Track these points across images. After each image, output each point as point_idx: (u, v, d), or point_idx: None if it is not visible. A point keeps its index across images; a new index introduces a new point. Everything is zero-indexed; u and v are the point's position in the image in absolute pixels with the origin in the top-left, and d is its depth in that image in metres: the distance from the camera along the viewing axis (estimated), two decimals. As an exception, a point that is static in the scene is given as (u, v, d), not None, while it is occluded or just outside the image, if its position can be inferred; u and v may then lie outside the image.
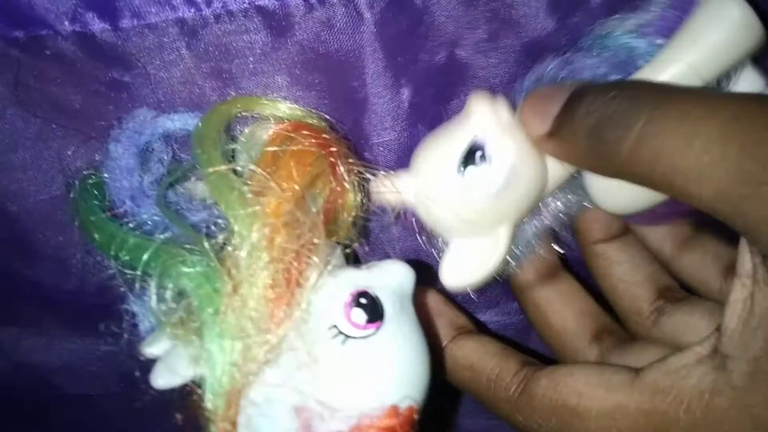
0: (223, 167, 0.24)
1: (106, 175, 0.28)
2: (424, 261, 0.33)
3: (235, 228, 0.23)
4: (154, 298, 0.23)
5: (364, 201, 0.29)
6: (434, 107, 0.31)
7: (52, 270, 0.32)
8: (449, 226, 0.27)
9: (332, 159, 0.26)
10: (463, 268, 0.27)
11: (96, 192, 0.28)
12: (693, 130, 0.20)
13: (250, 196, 0.24)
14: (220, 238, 0.24)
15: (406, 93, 0.30)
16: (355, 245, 0.29)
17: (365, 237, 0.32)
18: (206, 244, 0.23)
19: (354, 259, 0.28)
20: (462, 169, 0.26)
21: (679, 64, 0.25)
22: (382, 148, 0.32)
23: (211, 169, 0.24)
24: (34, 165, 0.30)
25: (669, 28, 0.26)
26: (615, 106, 0.22)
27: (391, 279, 0.24)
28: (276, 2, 0.27)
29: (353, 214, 0.28)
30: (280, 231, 0.23)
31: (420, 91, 0.31)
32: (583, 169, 0.27)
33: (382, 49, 0.29)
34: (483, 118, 0.26)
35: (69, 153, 0.30)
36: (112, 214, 0.27)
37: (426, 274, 0.33)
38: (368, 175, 0.28)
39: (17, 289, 0.33)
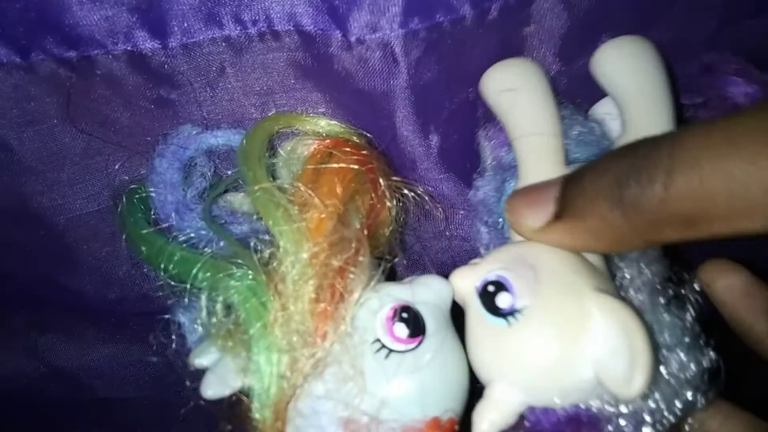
0: (269, 184, 0.25)
1: (151, 189, 0.29)
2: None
3: (281, 244, 0.24)
4: (204, 310, 0.23)
5: (402, 216, 0.30)
6: (462, 155, 0.32)
7: (94, 280, 0.34)
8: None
9: (372, 175, 0.27)
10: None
11: (142, 206, 0.29)
12: (733, 147, 0.18)
13: (294, 212, 0.24)
14: (266, 252, 0.24)
15: (435, 139, 0.31)
16: (395, 259, 0.30)
17: (403, 251, 0.32)
18: (253, 259, 0.24)
19: (392, 274, 0.28)
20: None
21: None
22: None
23: (257, 187, 0.25)
24: (81, 180, 0.31)
25: None
26: (630, 156, 0.20)
27: (431, 294, 0.25)
28: (319, 30, 0.28)
29: (392, 228, 0.29)
30: (324, 247, 0.24)
31: (448, 138, 0.31)
32: (602, 246, 0.23)
33: (414, 95, 0.29)
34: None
35: (115, 168, 0.31)
36: (158, 228, 0.28)
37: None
38: (407, 191, 0.29)
39: (59, 298, 0.35)
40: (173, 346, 0.25)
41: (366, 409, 0.22)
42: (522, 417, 0.23)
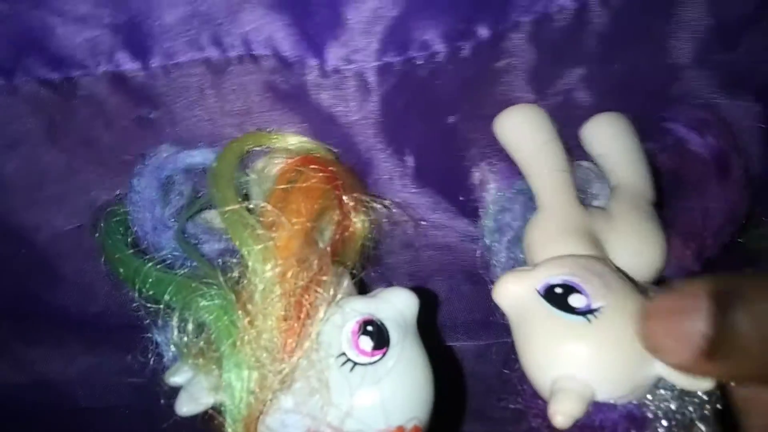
0: (237, 206, 0.26)
1: (129, 207, 0.30)
2: (428, 288, 0.35)
3: (249, 263, 0.25)
4: (175, 331, 0.24)
5: (371, 229, 0.31)
6: (439, 171, 0.33)
7: (77, 294, 0.34)
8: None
9: (338, 192, 0.28)
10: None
11: (120, 227, 0.30)
12: None
13: (262, 232, 0.25)
14: (236, 271, 0.25)
15: (410, 160, 0.32)
16: (364, 272, 0.31)
17: (373, 263, 0.33)
18: (222, 279, 0.25)
19: (361, 285, 0.29)
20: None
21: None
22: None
23: (225, 209, 0.26)
24: (62, 197, 0.32)
25: None
26: None
27: (395, 306, 0.26)
28: (296, 57, 0.29)
29: (361, 242, 0.30)
30: (291, 266, 0.25)
31: (424, 157, 0.32)
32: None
33: (388, 121, 0.31)
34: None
35: (95, 185, 0.32)
36: (136, 249, 0.29)
37: (429, 299, 0.35)
38: (376, 204, 0.30)
39: (42, 312, 0.35)
40: (151, 363, 0.26)
41: (331, 421, 0.23)
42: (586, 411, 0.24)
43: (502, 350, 0.36)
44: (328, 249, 0.26)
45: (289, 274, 0.25)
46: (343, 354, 0.24)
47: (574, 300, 0.24)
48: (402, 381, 0.24)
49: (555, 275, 0.25)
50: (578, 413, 0.23)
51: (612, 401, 0.24)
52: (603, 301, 0.24)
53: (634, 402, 0.25)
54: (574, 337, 0.24)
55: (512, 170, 0.31)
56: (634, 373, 0.24)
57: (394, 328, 0.25)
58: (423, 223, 0.34)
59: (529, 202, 0.31)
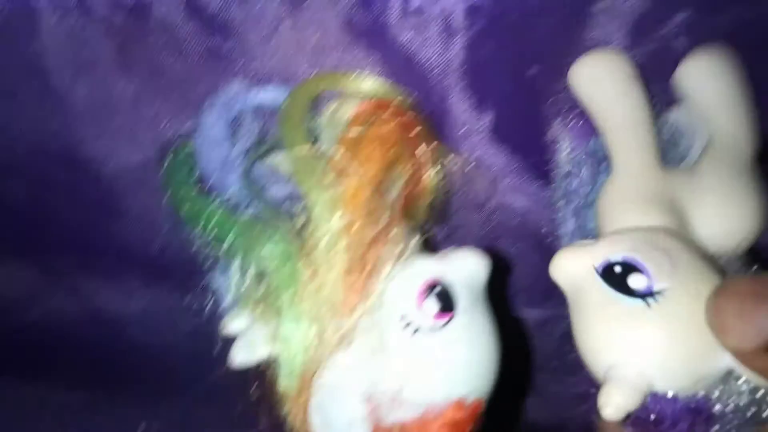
0: (305, 150, 0.25)
1: (196, 144, 0.29)
2: (501, 250, 0.33)
3: (315, 212, 0.23)
4: (236, 276, 0.23)
5: (444, 185, 0.29)
6: (518, 128, 0.31)
7: (139, 230, 0.34)
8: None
9: (414, 141, 0.26)
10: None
11: (186, 163, 0.29)
12: None
13: (330, 179, 0.24)
14: (301, 219, 0.24)
15: (490, 113, 0.30)
16: (432, 231, 0.29)
17: (443, 222, 0.32)
18: (287, 225, 0.24)
19: (427, 244, 0.28)
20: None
21: None
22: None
23: (294, 151, 0.24)
24: (130, 129, 0.32)
25: None
26: None
27: (465, 269, 0.24)
28: None
29: (432, 198, 0.29)
30: (358, 217, 0.23)
31: (504, 111, 0.30)
32: None
33: (470, 71, 0.29)
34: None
35: (164, 119, 0.31)
36: (201, 188, 0.28)
37: (502, 264, 0.33)
38: (451, 160, 0.28)
39: (105, 244, 0.35)
40: (208, 307, 0.25)
41: (389, 386, 0.22)
42: (642, 402, 0.22)
43: (562, 325, 0.34)
44: (399, 202, 0.25)
45: (356, 226, 0.23)
46: (406, 316, 0.23)
47: (634, 280, 0.22)
48: (466, 350, 0.23)
49: (615, 252, 0.23)
50: (630, 406, 0.22)
51: (673, 393, 0.22)
52: (667, 282, 0.22)
53: (701, 395, 0.23)
54: (630, 323, 0.22)
55: (591, 129, 0.29)
56: (699, 364, 0.22)
57: (462, 293, 0.23)
58: (496, 183, 0.32)
59: (601, 165, 0.28)
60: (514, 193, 0.33)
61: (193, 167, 0.29)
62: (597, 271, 0.23)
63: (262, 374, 0.24)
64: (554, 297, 0.34)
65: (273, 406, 0.24)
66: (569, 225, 0.29)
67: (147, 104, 0.31)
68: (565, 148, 0.30)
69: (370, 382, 0.22)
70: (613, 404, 0.21)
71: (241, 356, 0.24)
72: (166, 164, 0.29)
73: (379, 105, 0.27)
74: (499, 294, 0.35)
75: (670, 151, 0.28)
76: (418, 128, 0.27)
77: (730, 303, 0.21)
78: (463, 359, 0.23)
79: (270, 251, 0.24)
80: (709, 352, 0.22)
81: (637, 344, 0.22)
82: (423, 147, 0.27)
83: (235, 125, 0.29)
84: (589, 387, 0.24)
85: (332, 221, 0.23)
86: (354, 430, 0.22)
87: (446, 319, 0.23)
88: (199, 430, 0.37)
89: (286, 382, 0.23)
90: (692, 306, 0.22)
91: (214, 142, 0.29)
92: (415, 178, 0.27)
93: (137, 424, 0.39)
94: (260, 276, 0.24)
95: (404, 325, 0.23)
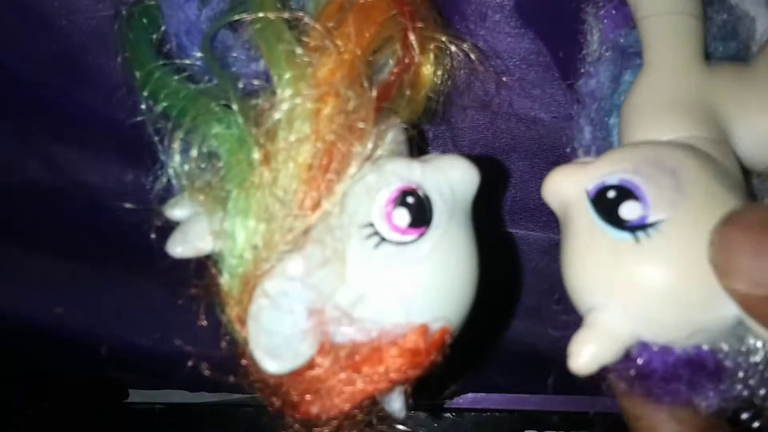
0: (274, 14, 0.21)
1: (160, 2, 0.25)
2: (496, 159, 0.29)
3: (278, 91, 0.20)
4: (176, 155, 0.20)
5: (441, 77, 0.25)
6: (546, 10, 0.27)
7: (104, 96, 0.31)
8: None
9: (405, 21, 0.22)
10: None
11: (147, 23, 0.25)
12: None
13: (300, 53, 0.20)
14: (265, 100, 0.21)
15: None
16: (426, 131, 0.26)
17: (436, 121, 0.28)
18: (245, 105, 0.20)
19: (418, 147, 0.24)
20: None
21: None
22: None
23: (260, 14, 0.20)
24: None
25: None
26: None
27: (448, 178, 0.21)
28: None
29: (426, 91, 0.25)
30: (328, 102, 0.20)
31: None
32: None
33: None
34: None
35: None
36: (162, 52, 0.24)
37: (496, 174, 0.29)
38: (452, 48, 0.25)
39: (73, 110, 0.32)
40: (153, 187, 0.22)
41: (340, 301, 0.19)
42: (627, 353, 0.20)
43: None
44: (379, 90, 0.21)
45: (325, 112, 0.20)
46: (371, 225, 0.20)
47: (627, 209, 0.19)
48: (436, 272, 0.20)
49: (612, 172, 0.20)
50: (605, 358, 0.19)
51: (664, 343, 0.19)
52: (667, 213, 0.18)
53: (705, 346, 0.19)
54: (611, 260, 0.19)
55: (625, 19, 0.25)
56: (696, 312, 0.19)
57: (440, 206, 0.20)
58: (509, 79, 0.28)
59: (628, 63, 0.24)
60: (532, 97, 0.29)
61: (154, 28, 0.25)
62: (588, 195, 0.20)
63: (202, 270, 0.21)
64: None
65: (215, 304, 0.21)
66: (585, 136, 0.26)
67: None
68: (594, 41, 0.26)
69: (318, 293, 0.19)
70: (585, 354, 0.19)
71: (179, 248, 0.21)
72: (123, 21, 0.25)
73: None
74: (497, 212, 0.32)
75: (721, 43, 0.24)
76: (416, 5, 0.23)
77: (742, 236, 0.17)
78: (431, 281, 0.20)
79: (221, 131, 0.20)
80: (710, 298, 0.18)
81: (618, 286, 0.19)
82: (420, 28, 0.23)
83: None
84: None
85: (297, 103, 0.20)
86: (294, 343, 0.19)
87: (417, 234, 0.20)
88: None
89: (227, 283, 0.20)
90: (695, 242, 0.18)
91: (181, 1, 0.25)
92: (404, 64, 0.23)
93: (120, 296, 0.38)
94: (209, 159, 0.21)
95: (367, 234, 0.20)
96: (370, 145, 0.20)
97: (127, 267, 0.38)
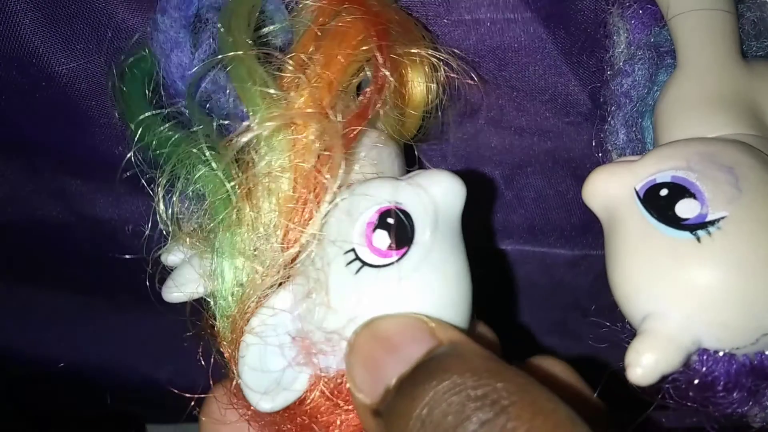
0: (246, 52, 0.21)
1: (153, 48, 0.26)
2: (481, 173, 0.29)
3: (253, 126, 0.20)
4: (161, 202, 0.20)
5: (435, 94, 0.25)
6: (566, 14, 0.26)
7: (105, 136, 0.31)
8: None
9: (381, 41, 0.22)
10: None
11: (140, 72, 0.26)
12: None
13: (274, 90, 0.21)
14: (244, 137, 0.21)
15: None
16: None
17: (436, 140, 0.28)
18: (226, 144, 0.21)
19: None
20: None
21: None
22: (464, 28, 0.26)
23: (231, 55, 0.21)
24: (82, 25, 0.28)
25: None
26: None
27: (430, 193, 0.20)
28: None
29: (417, 108, 0.25)
30: (301, 133, 0.20)
31: None
32: None
33: None
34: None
35: (119, 12, 0.28)
36: (157, 96, 0.25)
37: (483, 189, 0.29)
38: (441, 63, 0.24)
39: (81, 149, 0.33)
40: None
41: (326, 329, 0.19)
42: (687, 362, 0.19)
43: (599, 263, 0.31)
44: (354, 114, 0.21)
45: (298, 144, 0.20)
46: (352, 250, 0.20)
47: (684, 207, 0.18)
48: (420, 290, 0.20)
49: (662, 170, 0.19)
50: (666, 367, 0.18)
51: (728, 351, 0.18)
52: (727, 209, 0.18)
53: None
54: (672, 262, 0.18)
55: (653, 18, 0.24)
56: (765, 315, 0.18)
57: (422, 223, 0.20)
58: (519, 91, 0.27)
59: (663, 62, 0.24)
60: (546, 105, 0.28)
61: (145, 77, 0.26)
62: (638, 195, 0.19)
63: (197, 314, 0.22)
64: (591, 232, 0.30)
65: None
66: (619, 137, 0.25)
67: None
68: (621, 42, 0.25)
69: (303, 324, 0.20)
70: (645, 364, 0.18)
71: (173, 294, 0.22)
72: (116, 70, 0.25)
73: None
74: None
75: (756, 41, 0.24)
76: (386, 26, 0.22)
77: None
78: (415, 300, 0.19)
79: (204, 173, 0.21)
80: None
81: (680, 289, 0.18)
82: (391, 49, 0.23)
83: (195, 26, 0.26)
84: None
85: (270, 137, 0.20)
86: (285, 380, 0.19)
87: (398, 255, 0.19)
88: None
89: (220, 324, 0.21)
90: (758, 240, 0.18)
91: (171, 46, 0.26)
92: (379, 84, 0.22)
93: (133, 329, 0.39)
94: (197, 202, 0.21)
95: (348, 260, 0.20)
96: (341, 172, 0.20)
97: (138, 300, 0.38)
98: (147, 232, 0.22)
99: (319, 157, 0.20)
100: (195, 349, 0.22)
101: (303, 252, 0.20)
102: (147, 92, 0.25)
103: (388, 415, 0.17)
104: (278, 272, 0.20)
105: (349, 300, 0.19)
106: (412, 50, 0.23)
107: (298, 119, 0.20)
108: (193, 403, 0.22)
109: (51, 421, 0.45)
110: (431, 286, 0.20)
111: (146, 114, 0.24)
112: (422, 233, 0.20)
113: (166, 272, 0.27)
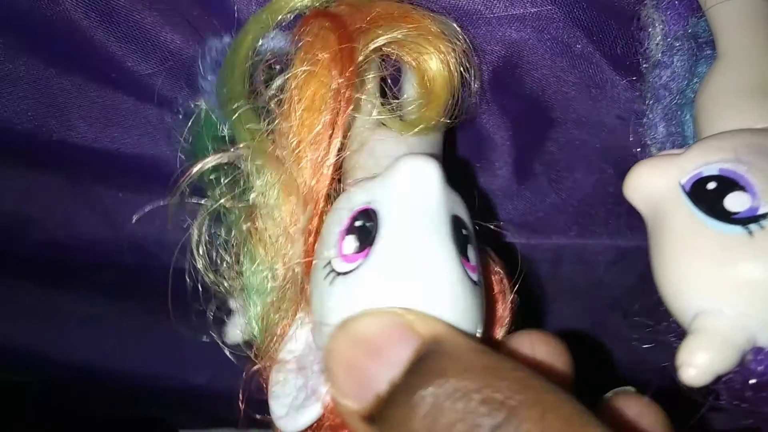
0: (243, 103, 0.23)
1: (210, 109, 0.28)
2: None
3: (248, 165, 0.22)
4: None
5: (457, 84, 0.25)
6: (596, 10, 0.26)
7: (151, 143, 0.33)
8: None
9: (348, 58, 0.21)
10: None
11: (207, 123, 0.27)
12: None
13: (269, 140, 0.22)
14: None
15: None
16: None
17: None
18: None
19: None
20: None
21: None
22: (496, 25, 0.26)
23: (230, 107, 0.23)
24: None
25: None
26: None
27: (396, 182, 0.19)
28: None
29: (436, 99, 0.24)
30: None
31: None
32: None
33: None
34: None
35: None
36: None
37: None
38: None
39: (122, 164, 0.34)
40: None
41: (320, 345, 0.19)
42: (741, 361, 0.19)
43: (640, 261, 0.30)
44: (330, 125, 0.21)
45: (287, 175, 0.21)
46: (329, 264, 0.19)
47: (734, 201, 0.18)
48: (391, 289, 0.18)
49: (709, 162, 0.19)
50: (721, 367, 0.18)
51: None
52: None
53: None
54: (723, 258, 0.18)
55: (689, 8, 0.24)
56: None
57: (387, 219, 0.19)
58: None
59: (702, 53, 0.24)
60: (590, 98, 0.27)
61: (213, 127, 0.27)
62: (683, 189, 0.19)
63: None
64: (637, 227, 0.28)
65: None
66: (659, 131, 0.25)
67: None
68: (657, 34, 0.25)
69: (303, 351, 0.21)
70: (698, 363, 0.18)
71: (231, 337, 0.24)
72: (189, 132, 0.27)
73: (314, 16, 0.23)
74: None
75: None
76: (351, 41, 0.22)
77: None
78: (386, 300, 0.18)
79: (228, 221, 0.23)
80: None
81: (733, 285, 0.18)
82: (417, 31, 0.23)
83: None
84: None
85: (265, 171, 0.22)
86: (304, 396, 0.20)
87: (363, 257, 0.18)
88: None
89: (261, 362, 0.22)
90: None
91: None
92: (347, 98, 0.22)
93: (169, 335, 0.38)
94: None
95: (325, 274, 0.19)
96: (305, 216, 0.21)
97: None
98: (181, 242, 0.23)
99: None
100: (233, 355, 0.23)
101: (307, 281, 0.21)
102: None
103: (385, 424, 0.17)
104: (295, 303, 0.21)
105: (330, 313, 0.18)
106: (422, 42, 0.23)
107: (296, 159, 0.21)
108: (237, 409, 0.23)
109: (84, 426, 0.46)
110: (403, 279, 0.18)
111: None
112: (388, 228, 0.18)
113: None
